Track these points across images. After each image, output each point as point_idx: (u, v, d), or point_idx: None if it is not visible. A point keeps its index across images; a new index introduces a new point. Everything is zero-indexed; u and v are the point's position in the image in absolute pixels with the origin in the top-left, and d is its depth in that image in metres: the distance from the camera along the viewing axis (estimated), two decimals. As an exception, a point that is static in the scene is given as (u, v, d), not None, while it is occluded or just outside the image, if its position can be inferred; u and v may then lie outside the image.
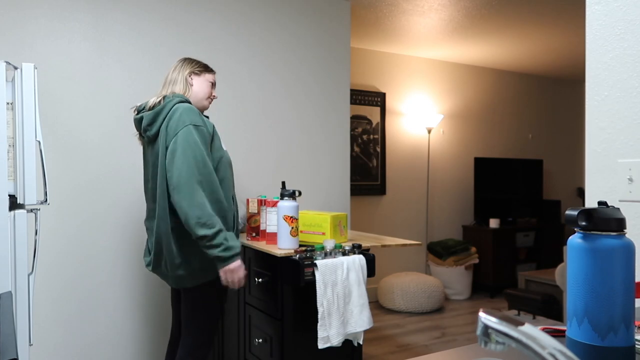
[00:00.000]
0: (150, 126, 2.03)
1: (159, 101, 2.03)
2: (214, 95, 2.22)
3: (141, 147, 2.45)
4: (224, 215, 2.00)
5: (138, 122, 2.10)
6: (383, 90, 5.24)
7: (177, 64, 2.16)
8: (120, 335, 2.84)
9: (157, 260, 2.06)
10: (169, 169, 1.90)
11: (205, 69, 2.18)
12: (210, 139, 2.03)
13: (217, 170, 2.03)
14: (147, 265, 2.12)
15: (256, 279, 2.34)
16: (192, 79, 2.13)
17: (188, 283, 2.00)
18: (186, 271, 1.98)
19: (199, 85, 2.14)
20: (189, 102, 2.06)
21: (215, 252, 1.87)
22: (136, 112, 2.13)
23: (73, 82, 2.73)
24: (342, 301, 2.14)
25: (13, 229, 1.80)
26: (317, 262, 2.12)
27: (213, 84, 2.21)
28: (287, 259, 2.16)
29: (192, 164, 1.88)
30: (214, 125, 2.08)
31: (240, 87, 3.26)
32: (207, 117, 2.15)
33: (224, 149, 2.12)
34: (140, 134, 2.14)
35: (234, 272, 1.92)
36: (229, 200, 2.07)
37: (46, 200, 1.99)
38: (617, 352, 0.71)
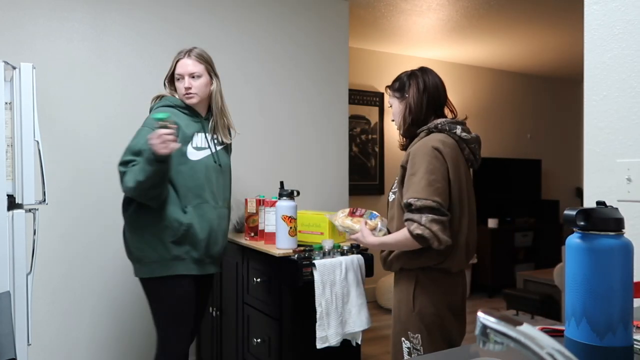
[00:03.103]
0: None
1: (155, 98, 2.14)
2: (186, 88, 2.06)
3: None
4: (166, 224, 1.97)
5: None
6: (381, 90, 5.23)
7: None
8: (120, 333, 2.83)
9: None
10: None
11: (171, 70, 2.13)
12: None
13: (171, 177, 1.98)
14: None
15: (255, 279, 2.34)
16: (169, 90, 2.15)
17: (137, 273, 2.04)
18: (133, 262, 2.03)
19: (177, 89, 2.12)
20: (175, 105, 2.07)
21: (146, 169, 1.84)
22: None
23: (72, 81, 2.72)
24: (340, 301, 2.14)
25: (12, 229, 1.79)
26: (315, 262, 2.12)
27: (181, 77, 2.08)
28: (285, 259, 2.15)
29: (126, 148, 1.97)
30: (192, 135, 2.05)
31: (238, 87, 3.26)
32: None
33: (194, 158, 2.03)
34: None
35: (158, 140, 1.79)
36: (175, 206, 1.99)
37: (45, 200, 1.99)
38: (615, 352, 0.71)
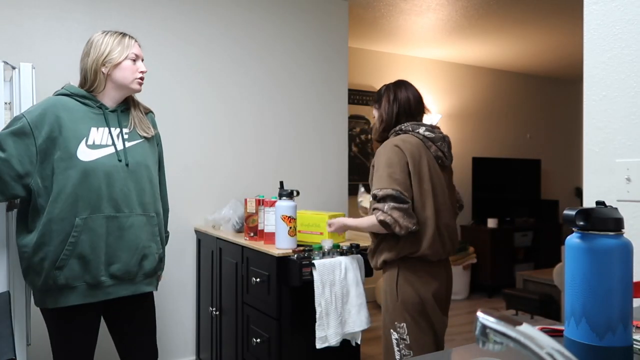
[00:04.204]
0: None
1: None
2: (143, 72, 1.83)
3: None
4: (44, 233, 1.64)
5: None
6: (381, 90, 5.24)
7: (84, 49, 1.83)
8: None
9: None
10: None
11: (127, 52, 1.79)
12: (44, 136, 1.65)
13: (50, 183, 1.65)
14: None
15: (254, 279, 2.34)
16: (106, 70, 1.78)
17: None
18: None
19: (119, 74, 1.78)
20: (72, 94, 1.77)
21: None
22: None
23: (71, 82, 2.72)
24: (340, 301, 2.14)
25: (11, 229, 1.79)
26: (315, 262, 2.12)
27: (137, 59, 1.81)
28: (285, 259, 2.15)
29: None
30: (88, 130, 1.71)
31: (238, 88, 3.26)
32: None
33: (86, 158, 1.68)
34: None
35: None
36: (58, 221, 1.64)
37: (44, 200, 1.98)
38: (615, 352, 0.71)
